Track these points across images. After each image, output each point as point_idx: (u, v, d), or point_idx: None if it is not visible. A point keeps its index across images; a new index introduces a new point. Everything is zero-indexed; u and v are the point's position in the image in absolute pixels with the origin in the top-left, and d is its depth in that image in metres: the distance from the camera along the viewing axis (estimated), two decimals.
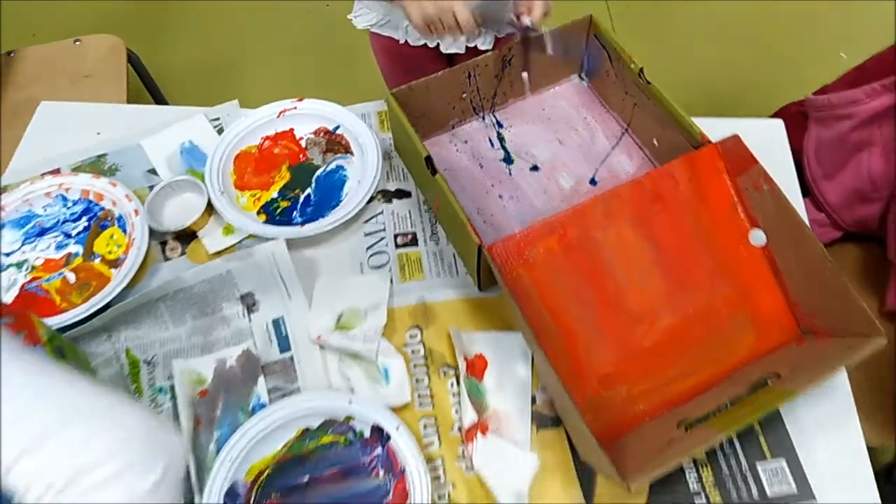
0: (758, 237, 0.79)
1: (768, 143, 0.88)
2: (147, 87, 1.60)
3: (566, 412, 0.71)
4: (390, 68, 1.13)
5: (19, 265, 0.86)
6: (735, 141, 0.78)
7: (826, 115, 1.05)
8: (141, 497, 0.39)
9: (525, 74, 0.93)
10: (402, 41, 1.04)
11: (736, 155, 0.78)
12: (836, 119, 1.05)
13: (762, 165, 0.76)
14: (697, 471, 0.73)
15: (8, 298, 0.83)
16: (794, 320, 0.79)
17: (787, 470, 0.73)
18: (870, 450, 0.75)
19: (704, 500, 0.71)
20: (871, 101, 1.00)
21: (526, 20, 0.84)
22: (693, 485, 0.72)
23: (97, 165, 0.95)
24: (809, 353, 0.74)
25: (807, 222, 0.76)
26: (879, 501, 0.71)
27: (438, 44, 1.03)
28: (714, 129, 0.81)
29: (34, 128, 1.00)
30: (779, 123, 0.98)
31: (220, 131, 0.98)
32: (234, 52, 2.07)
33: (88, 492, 0.38)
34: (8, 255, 0.87)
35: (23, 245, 0.88)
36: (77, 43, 1.52)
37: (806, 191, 1.14)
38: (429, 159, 0.80)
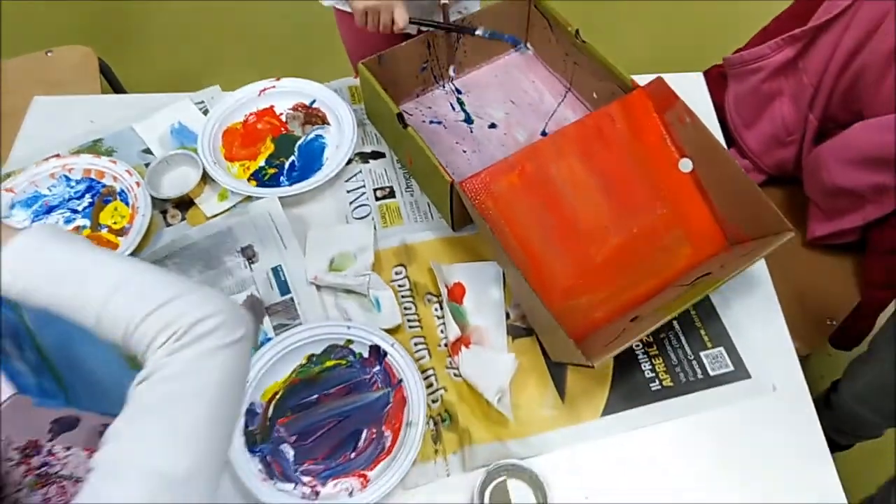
0: (685, 164, 0.93)
1: (691, 93, 1.02)
2: (117, 93, 1.67)
3: (538, 317, 0.82)
4: (354, 43, 1.24)
5: None
6: (659, 82, 0.92)
7: (740, 70, 1.21)
8: (232, 344, 0.52)
9: (452, 67, 1.06)
10: None
11: (661, 94, 0.92)
12: (749, 73, 1.20)
13: (684, 101, 0.90)
14: (651, 361, 0.86)
15: None
16: (723, 233, 0.92)
17: (726, 355, 0.86)
18: (808, 377, 0.87)
19: (658, 384, 0.84)
20: (776, 54, 1.15)
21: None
22: (648, 373, 0.85)
23: (95, 149, 1.03)
24: (735, 254, 0.88)
25: (723, 145, 0.90)
26: (803, 376, 0.85)
27: None
28: (644, 82, 0.94)
29: (30, 121, 1.08)
30: (699, 76, 1.14)
31: (206, 113, 1.07)
32: (201, 55, 2.15)
33: (200, 338, 0.50)
34: None
35: (32, 223, 0.95)
36: (49, 54, 1.58)
37: (731, 141, 1.30)
38: (400, 115, 0.91)
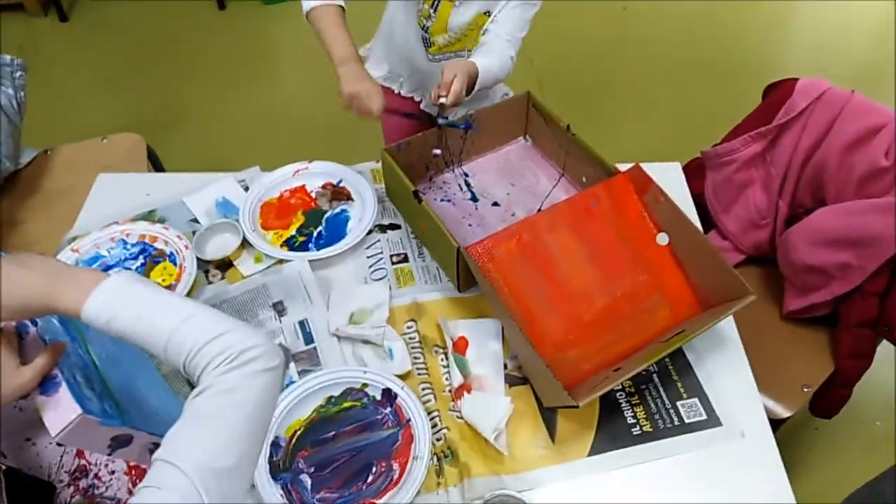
0: (662, 238, 1.06)
1: (670, 180, 1.17)
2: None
3: (532, 365, 0.94)
4: (390, 133, 1.42)
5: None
6: (637, 169, 1.07)
7: (715, 162, 1.37)
8: (271, 370, 0.64)
9: (437, 151, 1.20)
10: (396, 92, 1.35)
11: (639, 178, 1.07)
12: (724, 165, 1.36)
13: (657, 184, 1.05)
14: (633, 409, 0.95)
15: None
16: (696, 299, 1.05)
17: (700, 405, 0.96)
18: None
19: (639, 429, 0.93)
20: (746, 148, 1.32)
21: (442, 100, 1.08)
22: (630, 419, 0.95)
23: (149, 217, 1.19)
24: (706, 315, 1.00)
25: (696, 223, 1.04)
26: (769, 424, 0.95)
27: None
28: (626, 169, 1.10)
29: (95, 194, 1.25)
30: (677, 166, 1.30)
31: (246, 189, 1.24)
32: (239, 139, 2.38)
33: (247, 362, 0.63)
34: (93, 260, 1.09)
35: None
36: (104, 141, 1.79)
37: (712, 225, 1.44)
38: (416, 192, 1.07)
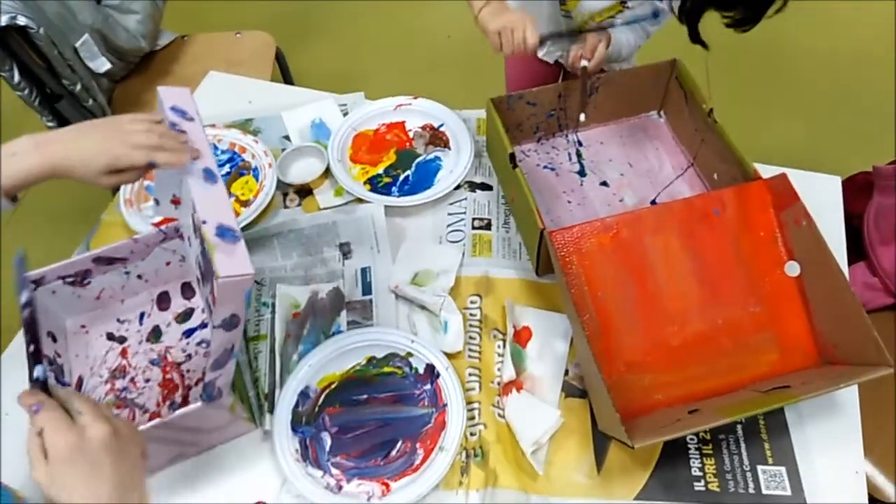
0: (792, 267, 0.88)
1: (821, 195, 0.96)
2: (285, 79, 1.84)
3: (594, 385, 0.82)
4: (514, 80, 1.30)
5: None
6: (782, 179, 0.88)
7: (889, 183, 1.12)
8: None
9: (582, 115, 1.06)
10: None
11: (782, 191, 0.88)
12: None
13: (804, 203, 0.86)
14: (702, 460, 0.82)
15: (157, 218, 1.03)
16: (816, 349, 0.86)
17: (786, 476, 0.80)
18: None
19: (703, 485, 0.80)
20: None
21: (584, 62, 0.99)
22: (696, 470, 0.81)
23: (244, 126, 1.16)
24: (823, 373, 0.82)
25: (841, 256, 0.85)
26: None
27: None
28: (769, 173, 0.91)
29: (201, 90, 1.23)
30: (835, 180, 1.07)
31: (345, 115, 1.16)
32: (362, 59, 2.32)
33: None
34: None
35: None
36: (238, 35, 1.78)
37: (863, 255, 1.20)
38: (512, 155, 0.95)
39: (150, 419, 0.83)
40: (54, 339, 0.87)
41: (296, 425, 0.84)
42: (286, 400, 0.84)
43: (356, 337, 0.90)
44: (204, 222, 0.67)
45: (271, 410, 0.84)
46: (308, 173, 1.08)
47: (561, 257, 0.86)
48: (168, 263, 0.93)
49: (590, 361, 0.78)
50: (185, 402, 0.86)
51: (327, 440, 0.84)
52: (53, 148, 0.67)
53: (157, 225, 1.02)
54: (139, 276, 0.93)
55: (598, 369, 0.76)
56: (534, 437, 0.80)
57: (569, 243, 0.87)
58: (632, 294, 0.87)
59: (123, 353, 0.90)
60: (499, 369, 0.89)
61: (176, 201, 0.88)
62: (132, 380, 0.88)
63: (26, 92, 1.35)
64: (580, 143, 1.11)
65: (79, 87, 1.40)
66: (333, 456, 0.82)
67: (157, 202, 0.87)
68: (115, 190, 1.08)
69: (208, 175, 0.72)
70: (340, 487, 0.80)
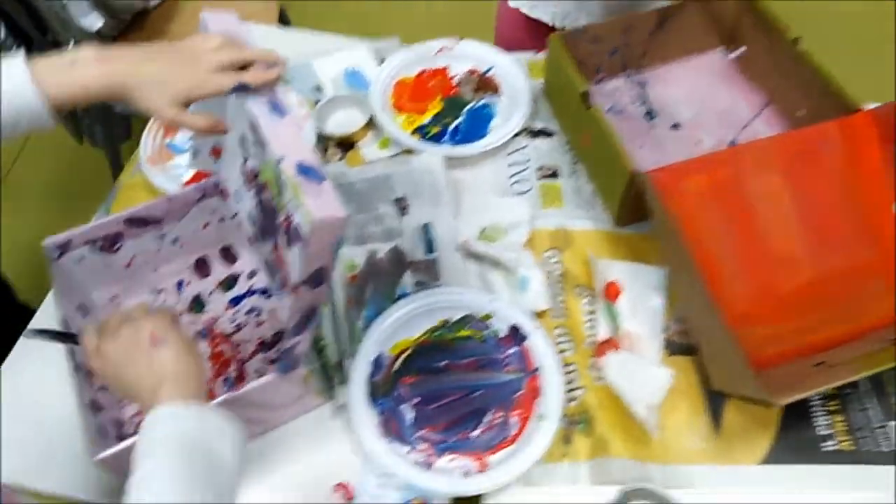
0: None
1: None
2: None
3: (710, 338, 0.73)
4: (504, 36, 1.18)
5: None
6: (890, 109, 0.80)
7: None
8: None
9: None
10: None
11: (891, 122, 0.80)
12: None
13: None
14: (829, 417, 0.74)
15: (187, 176, 0.91)
16: None
17: None
18: None
19: (834, 444, 0.72)
20: None
21: None
22: (822, 429, 0.73)
23: None
24: None
25: None
26: None
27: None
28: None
29: None
30: None
31: (381, 62, 1.05)
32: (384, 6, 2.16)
33: None
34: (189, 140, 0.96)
35: None
36: None
37: None
38: (585, 94, 0.85)
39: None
40: (84, 314, 0.75)
41: (373, 397, 0.74)
42: (360, 370, 0.74)
43: (428, 299, 0.80)
44: (281, 160, 0.56)
45: (343, 382, 0.74)
46: (349, 125, 0.97)
47: (653, 201, 0.77)
48: (205, 226, 0.82)
49: (708, 314, 0.70)
50: (241, 377, 0.76)
51: (408, 412, 0.74)
52: (118, 65, 0.56)
53: (188, 183, 0.90)
54: (174, 241, 0.81)
55: (721, 320, 0.68)
56: (647, 399, 0.71)
57: (665, 186, 0.78)
58: (736, 240, 0.79)
59: None
60: (590, 328, 0.80)
61: (217, 152, 0.77)
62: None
63: (12, 50, 1.21)
64: (643, 84, 1.02)
65: (70, 46, 1.27)
66: (418, 429, 0.73)
67: (193, 154, 0.76)
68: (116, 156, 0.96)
69: (274, 107, 0.61)
70: (430, 464, 0.70)
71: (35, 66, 0.54)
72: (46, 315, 0.80)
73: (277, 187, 0.62)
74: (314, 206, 0.53)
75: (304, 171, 0.56)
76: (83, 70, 0.54)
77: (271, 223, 0.66)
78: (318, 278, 0.58)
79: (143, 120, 1.43)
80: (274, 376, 0.63)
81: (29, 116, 0.53)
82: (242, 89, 0.59)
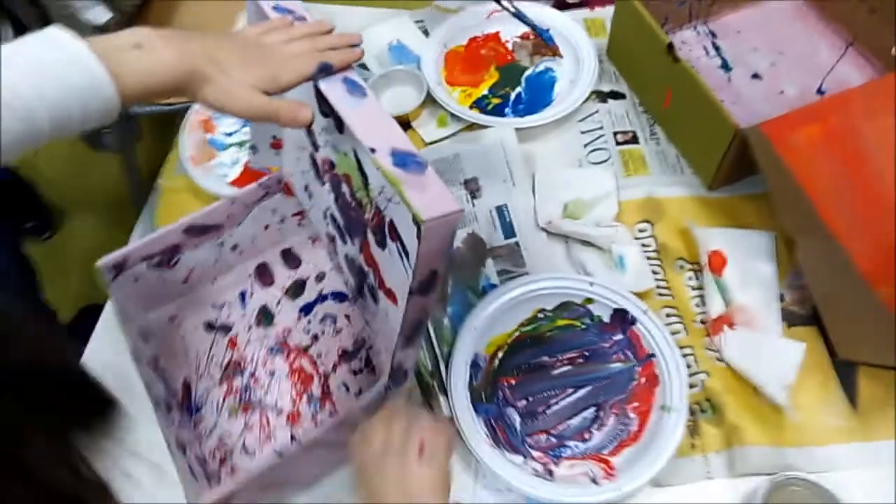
0: None
1: None
2: None
3: (844, 300, 0.66)
4: None
5: (241, 144, 0.87)
6: None
7: None
8: None
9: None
10: None
11: None
12: None
13: None
14: None
15: (233, 174, 0.84)
16: None
17: None
18: None
19: None
20: None
21: None
22: None
23: None
24: None
25: None
26: None
27: None
28: None
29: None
30: None
31: (425, 33, 0.97)
32: None
33: None
34: (230, 135, 0.88)
35: (243, 126, 0.89)
36: None
37: None
38: (671, 46, 0.77)
39: (289, 420, 0.66)
40: (145, 340, 0.68)
41: (476, 404, 0.67)
42: (458, 376, 0.67)
43: (518, 289, 0.72)
44: (373, 150, 0.48)
45: (444, 391, 0.67)
46: (403, 104, 0.88)
47: (765, 158, 0.70)
48: (266, 227, 0.75)
49: (835, 271, 0.63)
50: (326, 393, 0.69)
51: (515, 417, 0.67)
52: (191, 44, 0.46)
53: (236, 182, 0.82)
54: (234, 248, 0.74)
55: (856, 276, 0.61)
56: (779, 378, 0.65)
57: (775, 140, 0.70)
58: (852, 192, 0.71)
59: (232, 345, 0.72)
60: (697, 304, 0.73)
61: (277, 145, 0.69)
62: (253, 375, 0.70)
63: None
64: (713, 35, 0.94)
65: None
66: (528, 435, 0.66)
67: (253, 149, 0.69)
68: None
69: (352, 87, 0.53)
70: (551, 472, 0.64)
71: (97, 51, 0.42)
72: (103, 344, 0.73)
73: (362, 179, 0.55)
74: (421, 203, 0.44)
75: (402, 160, 0.47)
76: (154, 55, 0.44)
77: (356, 220, 0.59)
78: (429, 284, 0.50)
79: (150, 120, 1.36)
80: (378, 394, 0.56)
81: (99, 116, 0.42)
82: (326, 71, 0.51)
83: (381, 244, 0.53)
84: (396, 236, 0.50)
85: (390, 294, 0.56)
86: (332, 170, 0.60)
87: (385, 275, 0.56)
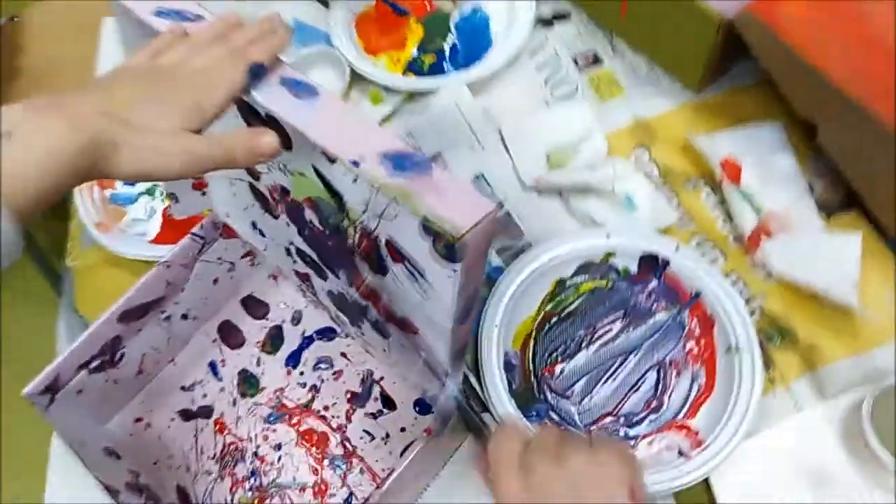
0: None
1: None
2: None
3: (880, 170, 0.59)
4: None
5: (150, 192, 0.72)
6: None
7: None
8: None
9: None
10: None
11: None
12: None
13: None
14: None
15: (153, 230, 0.69)
16: None
17: None
18: None
19: None
20: None
21: None
22: None
23: None
24: None
25: None
26: None
27: None
28: None
29: (105, 44, 0.86)
30: None
31: (324, 3, 0.83)
32: None
33: None
34: (132, 184, 0.73)
35: None
36: None
37: None
38: None
39: (317, 494, 0.55)
40: (116, 457, 0.55)
41: (524, 407, 0.57)
42: (495, 385, 0.57)
43: (528, 266, 0.62)
44: (356, 163, 0.35)
45: (483, 406, 0.57)
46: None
47: (762, 43, 0.61)
48: (215, 281, 0.61)
49: (872, 141, 0.56)
50: (349, 450, 0.57)
51: (570, 408, 0.58)
52: (78, 108, 0.32)
53: (159, 236, 0.68)
54: (184, 316, 0.61)
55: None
56: (844, 277, 0.57)
57: (766, 21, 0.61)
58: (866, 52, 0.63)
59: (220, 428, 0.59)
60: (724, 223, 0.65)
61: (199, 185, 0.56)
62: (257, 456, 0.58)
63: None
64: None
65: None
66: (593, 424, 0.57)
67: (174, 198, 0.55)
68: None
69: (295, 87, 0.39)
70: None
71: None
72: (61, 489, 0.59)
73: (334, 200, 0.42)
74: (446, 212, 0.32)
75: (399, 164, 0.35)
76: (33, 139, 0.29)
77: (336, 250, 0.47)
78: (468, 308, 0.39)
79: None
80: (428, 438, 0.45)
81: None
82: (259, 73, 0.37)
83: (380, 270, 0.42)
84: (401, 257, 0.38)
85: (405, 325, 0.45)
86: (286, 197, 0.47)
87: (395, 305, 0.44)
